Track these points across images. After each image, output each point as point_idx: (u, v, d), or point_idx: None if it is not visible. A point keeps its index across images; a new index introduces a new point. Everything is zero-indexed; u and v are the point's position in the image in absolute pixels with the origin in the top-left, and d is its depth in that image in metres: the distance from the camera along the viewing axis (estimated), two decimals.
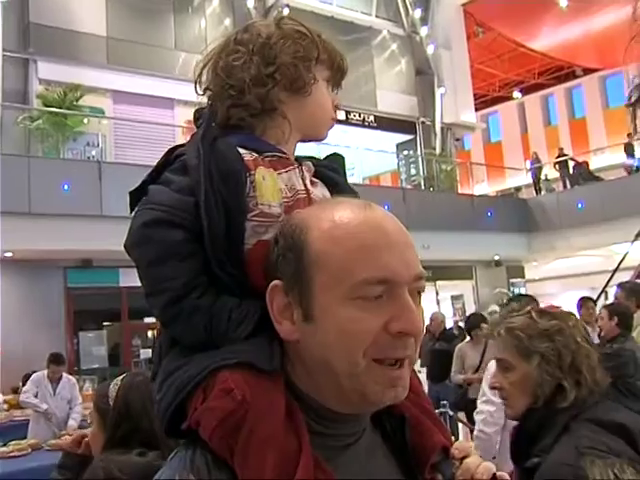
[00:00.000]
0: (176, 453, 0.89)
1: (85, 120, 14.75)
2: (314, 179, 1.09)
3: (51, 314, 13.12)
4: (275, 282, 0.90)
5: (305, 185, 1.04)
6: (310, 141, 1.14)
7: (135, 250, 0.94)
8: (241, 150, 0.99)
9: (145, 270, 0.93)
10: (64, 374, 7.89)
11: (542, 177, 21.31)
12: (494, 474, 0.98)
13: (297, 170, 1.05)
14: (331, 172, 1.13)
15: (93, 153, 14.87)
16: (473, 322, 7.45)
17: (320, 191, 1.07)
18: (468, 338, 7.71)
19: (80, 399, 7.83)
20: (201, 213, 0.91)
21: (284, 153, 1.04)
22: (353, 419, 0.93)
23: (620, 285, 6.06)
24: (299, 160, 1.09)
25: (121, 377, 2.27)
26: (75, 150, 14.40)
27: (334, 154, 1.16)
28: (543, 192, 20.69)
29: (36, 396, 7.50)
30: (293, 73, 1.05)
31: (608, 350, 4.65)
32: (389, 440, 0.99)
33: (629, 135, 18.76)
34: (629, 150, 19.28)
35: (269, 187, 0.98)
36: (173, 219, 0.92)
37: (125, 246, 0.94)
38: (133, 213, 0.96)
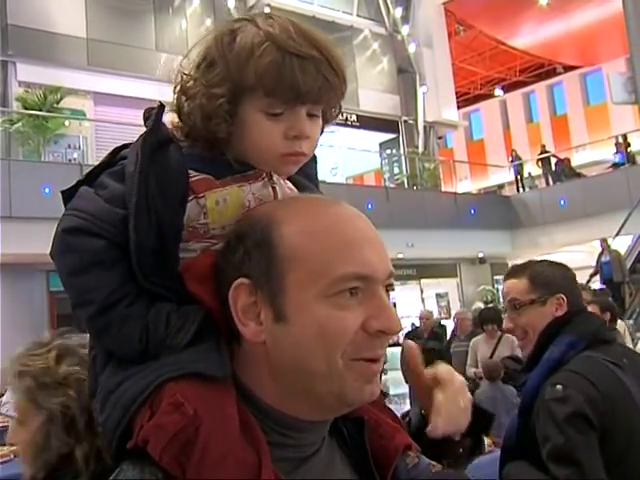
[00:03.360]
0: (120, 471, 0.80)
1: (66, 122, 14.63)
2: (289, 185, 0.98)
3: (34, 318, 13.01)
4: (240, 280, 0.83)
5: (275, 193, 0.93)
6: None
7: (56, 258, 0.86)
8: (191, 172, 0.87)
9: (67, 280, 0.86)
10: None
11: (525, 174, 21.45)
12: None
13: (266, 179, 0.94)
14: (305, 179, 1.02)
15: (75, 156, 14.77)
16: (486, 316, 7.47)
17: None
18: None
19: None
20: (129, 228, 0.82)
21: (253, 168, 0.92)
22: (319, 427, 0.88)
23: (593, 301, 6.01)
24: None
25: None
26: (56, 153, 14.29)
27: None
28: (526, 189, 20.83)
29: None
30: (201, 112, 0.89)
31: None
32: (345, 445, 0.94)
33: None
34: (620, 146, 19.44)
35: (227, 209, 0.88)
36: (94, 229, 0.83)
37: (50, 254, 0.87)
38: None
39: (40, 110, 13.61)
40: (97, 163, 0.94)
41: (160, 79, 16.63)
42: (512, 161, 21.89)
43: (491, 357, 6.81)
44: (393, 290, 0.89)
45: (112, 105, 15.89)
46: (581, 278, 12.36)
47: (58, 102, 14.06)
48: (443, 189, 20.28)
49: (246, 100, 0.87)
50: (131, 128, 16.19)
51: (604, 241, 14.12)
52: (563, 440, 1.83)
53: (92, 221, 0.84)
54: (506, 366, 6.36)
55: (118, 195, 0.85)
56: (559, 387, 1.91)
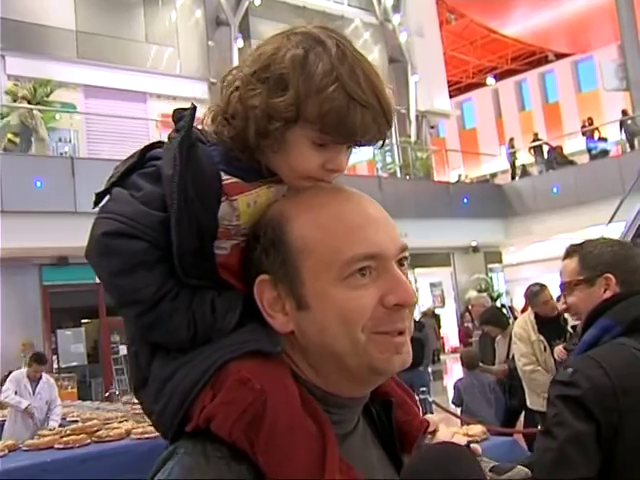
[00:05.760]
0: (174, 450, 0.84)
1: (57, 116, 14.57)
2: None
3: (27, 313, 13.00)
4: (262, 277, 0.89)
5: None
6: None
7: (96, 260, 0.88)
8: (224, 175, 0.90)
9: (110, 281, 0.87)
10: (43, 374, 7.81)
11: (518, 163, 21.48)
12: (468, 443, 1.00)
13: None
14: None
15: (66, 149, 14.73)
16: (484, 319, 7.25)
17: None
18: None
19: (59, 400, 7.76)
20: (172, 231, 0.85)
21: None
22: (357, 403, 0.93)
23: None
24: None
25: None
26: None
27: None
28: (517, 178, 20.85)
29: (15, 394, 7.44)
30: (256, 127, 0.89)
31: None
32: (373, 424, 0.99)
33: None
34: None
35: (257, 210, 0.92)
36: (134, 232, 0.85)
37: (86, 255, 0.88)
38: (94, 219, 0.89)
39: (30, 103, 13.54)
40: (124, 159, 0.94)
41: (150, 70, 16.60)
42: (507, 149, 21.88)
43: (507, 355, 6.67)
44: (407, 263, 0.94)
45: (103, 98, 15.83)
46: None
47: (48, 95, 13.99)
48: (436, 178, 20.30)
49: (299, 125, 0.88)
50: (122, 120, 16.14)
51: None
52: (552, 413, 1.79)
53: (131, 224, 0.86)
54: (510, 367, 6.27)
55: (154, 198, 0.87)
56: (569, 370, 1.86)
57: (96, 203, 0.93)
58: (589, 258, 2.12)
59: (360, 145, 0.93)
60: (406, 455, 0.98)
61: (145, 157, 0.93)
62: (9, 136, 13.31)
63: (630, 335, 1.90)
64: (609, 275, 2.06)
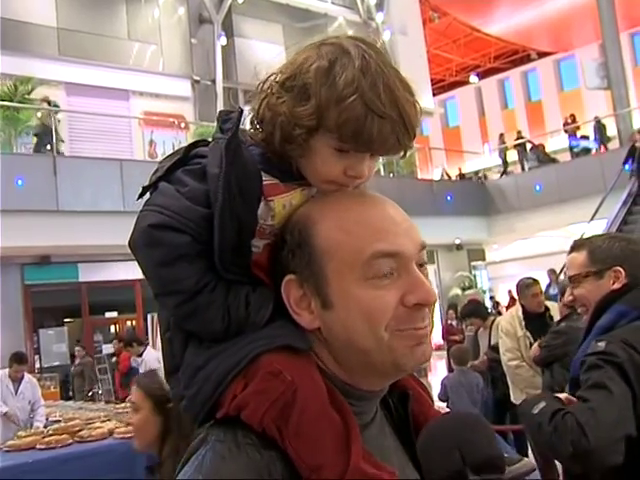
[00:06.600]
0: (206, 437, 0.88)
1: (38, 113, 14.43)
2: None
3: (9, 313, 12.87)
4: (288, 276, 0.94)
5: None
6: None
7: (141, 250, 0.92)
8: (264, 176, 0.94)
9: (153, 271, 0.92)
10: (25, 374, 7.74)
11: (499, 162, 21.61)
12: None
13: None
14: None
15: (47, 147, 14.57)
16: (464, 312, 7.42)
17: None
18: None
19: (42, 401, 7.69)
20: (214, 227, 0.90)
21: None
22: (376, 395, 0.97)
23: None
24: None
25: None
26: (28, 144, 14.09)
27: None
28: (505, 174, 20.97)
29: None
30: (281, 133, 0.93)
31: (557, 328, 4.75)
32: (390, 415, 1.04)
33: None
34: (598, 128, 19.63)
35: (291, 212, 0.97)
36: (179, 226, 0.90)
37: (130, 245, 0.93)
38: (139, 211, 0.94)
39: (11, 101, 13.42)
40: (168, 155, 0.99)
41: (133, 68, 16.49)
42: (504, 143, 21.95)
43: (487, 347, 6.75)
44: (426, 264, 0.98)
45: (85, 95, 15.72)
46: (557, 262, 12.48)
47: (29, 93, 13.87)
48: (419, 176, 20.35)
49: (320, 133, 0.92)
50: (105, 118, 16.03)
51: (552, 272, 13.78)
52: (602, 372, 1.84)
53: (177, 218, 0.90)
54: (488, 357, 6.39)
55: (199, 194, 0.92)
56: (602, 343, 1.91)
57: (141, 195, 0.97)
58: (598, 252, 2.19)
59: (381, 154, 0.97)
60: None
61: (190, 154, 0.97)
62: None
63: None
64: (618, 268, 2.14)
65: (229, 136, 0.92)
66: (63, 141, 13.70)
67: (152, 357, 8.40)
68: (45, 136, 13.39)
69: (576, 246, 2.27)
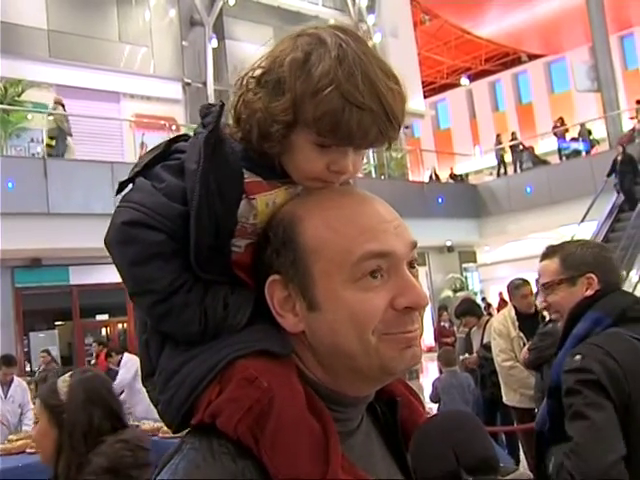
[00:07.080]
0: (181, 446, 0.85)
1: (29, 116, 14.38)
2: None
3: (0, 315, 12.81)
4: (273, 277, 0.89)
5: None
6: None
7: (115, 248, 0.89)
8: (246, 173, 0.90)
9: (127, 270, 0.89)
10: (15, 377, 7.70)
11: (488, 164, 21.67)
12: None
13: None
14: None
15: (38, 149, 14.51)
16: (458, 310, 7.40)
17: None
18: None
19: (31, 404, 7.65)
20: (190, 226, 0.86)
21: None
22: (362, 401, 0.93)
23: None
24: None
25: (68, 374, 2.31)
26: (19, 147, 14.06)
27: None
28: (493, 177, 21.03)
29: None
30: (258, 129, 0.89)
31: (544, 329, 4.77)
32: (377, 421, 1.00)
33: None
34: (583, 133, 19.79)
35: (275, 210, 0.92)
36: (154, 223, 0.86)
37: (105, 242, 0.90)
38: (115, 207, 0.91)
39: (1, 103, 13.36)
40: (149, 149, 0.95)
41: (124, 70, 16.44)
42: (501, 144, 22.03)
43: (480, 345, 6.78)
44: (417, 266, 0.94)
45: (75, 97, 15.64)
46: None
47: (19, 95, 13.82)
48: (410, 178, 20.37)
49: (299, 128, 0.88)
50: (95, 120, 15.97)
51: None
52: (580, 399, 1.83)
53: (151, 215, 0.87)
54: (479, 355, 6.41)
55: (176, 191, 0.88)
56: (577, 357, 1.91)
57: (118, 191, 0.94)
58: (571, 258, 2.19)
59: (364, 148, 0.92)
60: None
61: (170, 149, 0.93)
62: (47, 140, 13.36)
63: (620, 325, 1.98)
64: (591, 275, 2.13)
65: (208, 130, 0.88)
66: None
67: (132, 360, 8.43)
68: (62, 141, 13.33)
69: (548, 253, 2.27)
